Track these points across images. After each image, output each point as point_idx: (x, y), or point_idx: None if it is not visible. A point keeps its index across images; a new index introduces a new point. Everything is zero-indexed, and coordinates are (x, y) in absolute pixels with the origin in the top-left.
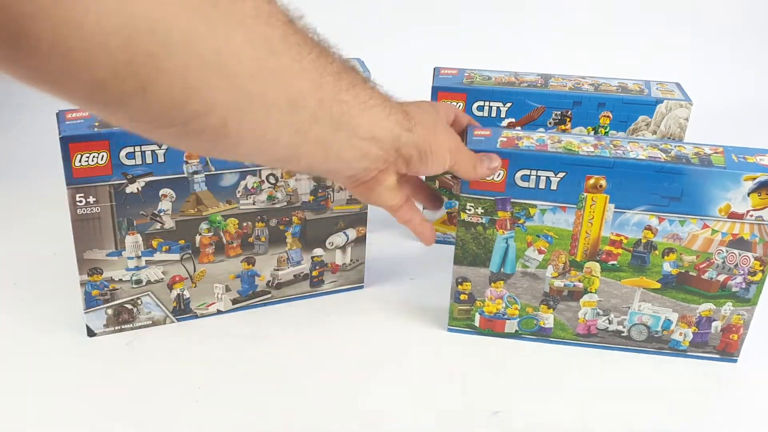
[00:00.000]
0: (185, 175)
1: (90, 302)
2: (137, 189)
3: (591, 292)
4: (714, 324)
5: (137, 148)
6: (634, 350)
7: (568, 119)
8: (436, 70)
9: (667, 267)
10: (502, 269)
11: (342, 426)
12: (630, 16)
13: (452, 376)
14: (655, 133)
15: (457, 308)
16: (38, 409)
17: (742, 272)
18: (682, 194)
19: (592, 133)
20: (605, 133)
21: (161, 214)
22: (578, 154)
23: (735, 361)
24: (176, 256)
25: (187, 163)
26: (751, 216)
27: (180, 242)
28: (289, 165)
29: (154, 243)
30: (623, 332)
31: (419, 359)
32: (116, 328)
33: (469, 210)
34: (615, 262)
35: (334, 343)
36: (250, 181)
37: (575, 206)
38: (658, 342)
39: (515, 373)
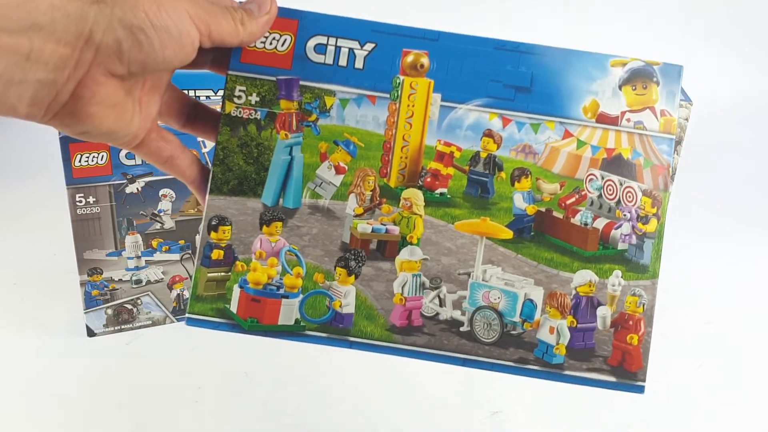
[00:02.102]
0: None
1: (90, 302)
2: (137, 189)
3: (412, 244)
4: (601, 313)
5: None
6: (478, 364)
7: None
8: None
9: (519, 201)
10: (281, 200)
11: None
12: (630, 16)
13: None
14: None
15: (206, 276)
16: (38, 408)
17: (628, 216)
18: (532, 83)
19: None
20: None
21: (161, 214)
22: None
23: (641, 390)
24: (176, 256)
25: None
26: (629, 121)
27: (180, 242)
28: None
29: (154, 243)
30: (462, 324)
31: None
32: (116, 328)
33: (239, 97)
34: (444, 190)
35: None
36: None
37: (388, 96)
38: (516, 346)
39: None
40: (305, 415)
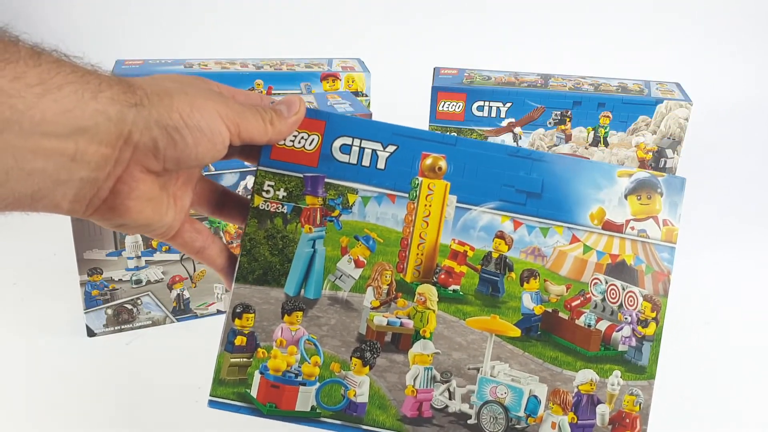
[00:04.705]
0: None
1: (90, 302)
2: None
3: (425, 338)
4: (600, 410)
5: None
6: None
7: (568, 119)
8: (436, 70)
9: (527, 301)
10: (302, 291)
11: None
12: (630, 17)
13: None
14: (655, 133)
15: (229, 361)
16: (38, 408)
17: (629, 319)
18: (543, 189)
19: (592, 133)
20: (605, 133)
21: None
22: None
23: None
24: (176, 256)
25: None
26: (633, 229)
27: None
28: None
29: (154, 243)
30: (470, 417)
31: None
32: (116, 328)
33: (267, 192)
34: (457, 287)
35: None
36: (251, 181)
37: (407, 196)
38: None
39: None
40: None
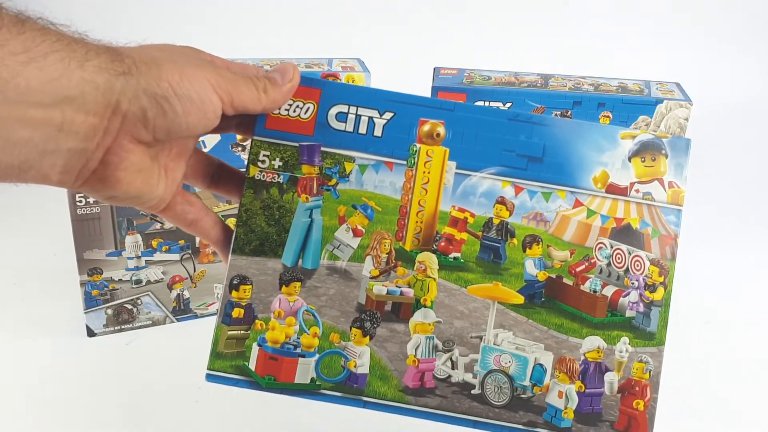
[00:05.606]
0: None
1: (90, 302)
2: None
3: (426, 306)
4: (608, 378)
5: None
6: (488, 427)
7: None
8: (436, 70)
9: (530, 267)
10: (300, 261)
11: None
12: (630, 16)
13: None
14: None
15: (227, 334)
16: (38, 408)
17: (636, 284)
18: (544, 153)
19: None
20: None
21: None
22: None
23: None
24: (176, 256)
25: None
26: (638, 192)
27: (180, 242)
28: None
29: (154, 243)
30: (474, 387)
31: None
32: (116, 328)
33: (263, 162)
34: (458, 255)
35: None
36: None
37: (405, 163)
38: (526, 410)
39: None
40: (305, 414)
